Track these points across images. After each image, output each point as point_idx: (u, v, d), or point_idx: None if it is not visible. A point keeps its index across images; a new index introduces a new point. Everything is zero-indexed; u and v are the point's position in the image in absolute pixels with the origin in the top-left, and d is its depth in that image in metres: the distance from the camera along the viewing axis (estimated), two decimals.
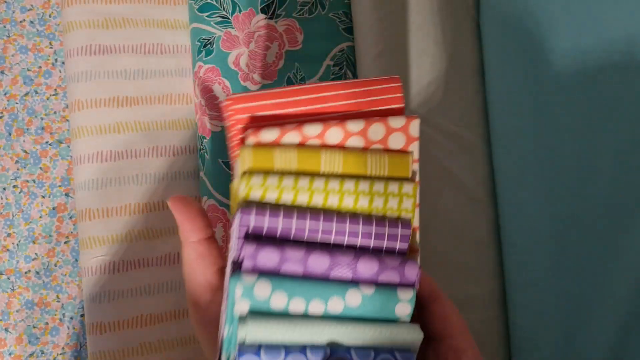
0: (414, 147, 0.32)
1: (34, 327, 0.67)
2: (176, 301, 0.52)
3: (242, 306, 0.28)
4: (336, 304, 0.29)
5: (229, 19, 0.51)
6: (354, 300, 0.29)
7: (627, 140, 0.45)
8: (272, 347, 0.28)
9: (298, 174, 0.30)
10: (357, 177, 0.31)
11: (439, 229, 0.49)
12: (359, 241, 0.30)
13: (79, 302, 0.68)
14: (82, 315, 0.68)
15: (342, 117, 0.31)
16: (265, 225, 0.29)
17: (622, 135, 0.45)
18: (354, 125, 0.31)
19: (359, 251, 0.30)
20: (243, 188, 0.29)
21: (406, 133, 0.31)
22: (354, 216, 0.30)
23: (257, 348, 0.28)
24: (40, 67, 0.72)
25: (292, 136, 0.30)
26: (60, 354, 0.67)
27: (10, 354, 0.66)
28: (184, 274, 0.32)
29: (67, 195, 0.70)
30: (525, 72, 0.48)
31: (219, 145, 0.50)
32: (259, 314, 0.28)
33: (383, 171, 0.31)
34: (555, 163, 0.46)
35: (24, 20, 0.72)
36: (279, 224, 0.29)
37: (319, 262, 0.29)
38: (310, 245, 0.29)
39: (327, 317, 0.29)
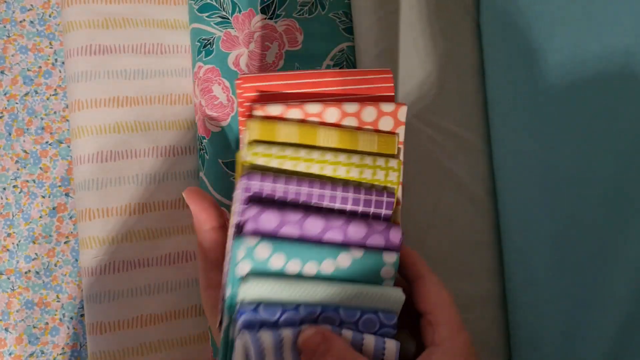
0: (401, 131, 0.36)
1: (34, 327, 0.67)
2: (176, 301, 0.52)
3: (243, 267, 0.31)
4: (328, 266, 0.32)
5: (228, 19, 0.51)
6: (344, 262, 0.33)
7: (628, 140, 0.45)
8: (270, 306, 0.31)
9: (298, 145, 0.34)
10: (350, 151, 0.34)
11: (439, 229, 0.49)
12: (349, 206, 0.34)
13: (79, 302, 0.68)
14: (82, 315, 0.68)
15: (339, 99, 0.36)
16: (267, 188, 0.32)
17: (622, 135, 0.45)
18: (350, 107, 0.35)
19: (350, 215, 0.34)
20: (249, 155, 0.33)
21: (395, 117, 0.36)
22: (345, 184, 0.34)
23: (256, 305, 0.31)
24: (40, 67, 0.72)
25: (294, 112, 0.34)
26: (60, 354, 0.67)
27: (10, 354, 0.66)
28: (198, 257, 0.35)
29: (67, 195, 0.70)
30: (525, 71, 0.48)
31: (219, 145, 0.50)
32: (259, 274, 0.31)
33: (372, 149, 0.35)
34: (555, 163, 0.46)
35: (24, 20, 0.72)
36: (279, 188, 0.32)
37: (314, 225, 0.33)
38: (307, 209, 0.33)
39: (320, 278, 0.32)
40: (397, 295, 0.34)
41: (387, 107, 0.35)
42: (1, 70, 0.72)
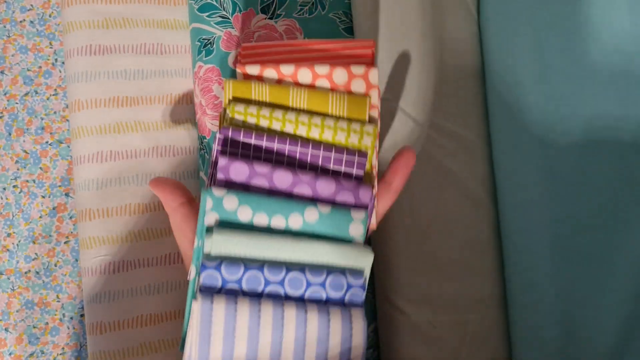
0: (373, 95, 0.37)
1: (34, 327, 0.67)
2: (176, 301, 0.52)
3: (210, 218, 0.32)
4: (296, 220, 0.33)
5: (229, 19, 0.51)
6: (311, 217, 0.33)
7: (628, 140, 0.45)
8: (232, 264, 0.31)
9: (273, 106, 0.35)
10: (324, 115, 0.36)
11: (439, 229, 0.49)
12: (319, 163, 0.34)
13: (79, 302, 0.68)
14: (82, 315, 0.68)
15: (313, 62, 0.37)
16: (240, 141, 0.34)
17: (623, 134, 0.45)
18: (321, 69, 0.36)
19: (320, 172, 0.34)
20: (228, 113, 0.34)
21: (366, 80, 0.36)
22: (317, 142, 0.35)
23: (218, 263, 0.31)
24: (40, 67, 0.72)
25: (270, 72, 0.36)
26: (60, 354, 0.67)
27: (10, 354, 0.66)
28: (175, 238, 0.37)
29: (67, 195, 0.70)
30: (525, 71, 0.48)
31: None
32: (225, 227, 0.32)
33: (342, 110, 0.36)
34: (555, 163, 0.46)
35: (24, 20, 0.72)
36: (251, 142, 0.34)
37: (283, 179, 0.33)
38: (277, 163, 0.34)
39: (287, 233, 0.33)
40: (365, 252, 0.33)
41: (358, 70, 0.36)
42: (1, 70, 0.72)
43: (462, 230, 0.49)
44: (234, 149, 0.34)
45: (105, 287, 0.50)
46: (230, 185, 0.33)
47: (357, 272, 0.33)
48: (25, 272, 0.67)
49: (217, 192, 0.32)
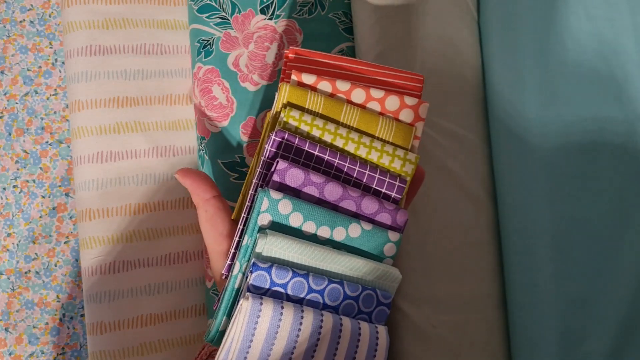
0: (419, 127, 0.38)
1: (34, 327, 0.67)
2: (176, 301, 0.52)
3: (265, 217, 0.33)
4: (340, 233, 0.35)
5: (228, 19, 0.51)
6: (354, 232, 0.35)
7: (629, 139, 0.45)
8: (282, 268, 0.33)
9: (325, 118, 0.36)
10: (373, 136, 0.37)
11: (439, 229, 0.49)
12: (364, 181, 0.36)
13: (79, 302, 0.68)
14: (82, 315, 0.68)
15: (368, 84, 0.39)
16: (294, 147, 0.35)
17: (623, 135, 0.45)
18: (376, 92, 0.38)
19: (365, 190, 0.36)
20: (282, 116, 0.35)
21: (416, 112, 0.38)
22: (363, 161, 0.37)
23: (270, 266, 0.32)
24: (40, 67, 0.72)
25: (325, 85, 0.37)
26: (60, 354, 0.67)
27: (10, 354, 0.66)
28: (203, 229, 0.37)
29: (67, 195, 0.70)
30: (525, 71, 0.48)
31: (219, 146, 0.50)
32: (277, 229, 0.33)
33: (389, 135, 0.37)
34: (555, 163, 0.46)
35: (24, 20, 0.72)
36: (304, 150, 0.35)
37: (333, 191, 0.35)
38: (327, 175, 0.35)
39: (330, 242, 0.35)
40: (396, 274, 0.36)
41: (410, 101, 0.38)
42: (1, 70, 0.72)
43: (461, 230, 0.49)
44: (286, 153, 0.35)
45: (105, 287, 0.50)
46: (283, 189, 0.34)
47: (386, 291, 0.36)
48: (25, 272, 0.67)
49: (275, 194, 0.33)
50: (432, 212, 0.49)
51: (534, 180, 0.47)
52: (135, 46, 0.53)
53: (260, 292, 0.32)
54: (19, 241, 0.68)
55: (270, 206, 0.33)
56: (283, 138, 0.34)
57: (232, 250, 0.35)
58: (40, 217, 0.69)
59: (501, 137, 0.50)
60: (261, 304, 0.31)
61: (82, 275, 0.51)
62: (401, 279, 0.36)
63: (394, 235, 0.36)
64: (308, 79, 0.37)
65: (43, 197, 0.69)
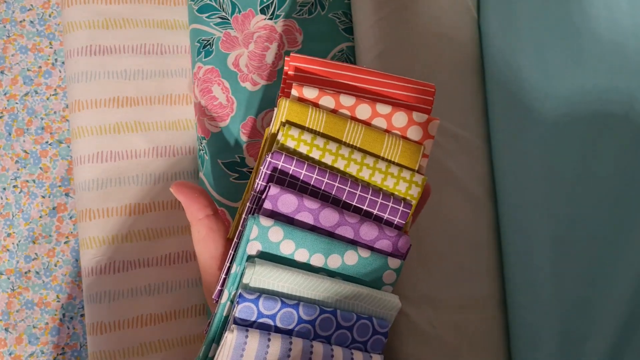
0: (428, 145, 0.36)
1: (34, 327, 0.67)
2: (176, 301, 0.52)
3: (254, 246, 0.32)
4: (335, 261, 0.33)
5: (228, 19, 0.51)
6: (351, 260, 0.33)
7: (629, 139, 0.45)
8: (270, 299, 0.31)
9: (326, 137, 0.34)
10: (377, 157, 0.35)
11: (438, 229, 0.49)
12: (364, 206, 0.34)
13: (79, 302, 0.68)
14: (82, 315, 0.68)
15: (374, 98, 0.36)
16: (290, 171, 0.33)
17: (623, 135, 0.45)
18: (382, 108, 0.35)
19: (364, 216, 0.34)
20: (281, 135, 0.33)
21: (425, 129, 0.36)
22: (365, 184, 0.34)
23: (257, 297, 0.31)
24: (40, 67, 0.72)
25: (327, 100, 0.35)
26: (60, 354, 0.67)
27: (10, 354, 0.66)
28: (196, 249, 0.36)
29: (67, 195, 0.70)
30: (525, 71, 0.48)
31: (219, 146, 0.50)
32: (266, 258, 0.32)
33: (395, 155, 0.35)
34: (555, 163, 0.46)
35: (24, 20, 0.72)
36: (302, 173, 0.33)
37: (329, 218, 0.33)
38: (324, 200, 0.33)
39: (325, 271, 0.33)
40: (394, 302, 0.34)
41: (419, 117, 0.36)
42: (1, 70, 0.72)
43: (461, 230, 0.49)
44: (282, 176, 0.33)
45: (105, 287, 0.50)
46: (275, 215, 0.33)
47: (383, 320, 0.34)
48: (25, 272, 0.67)
49: (265, 222, 0.32)
50: (431, 211, 0.49)
51: (534, 180, 0.47)
52: (135, 46, 0.53)
53: (246, 324, 0.31)
54: (19, 241, 0.68)
55: (260, 234, 0.31)
56: (279, 160, 0.32)
57: (223, 276, 0.33)
58: (40, 217, 0.69)
59: (501, 137, 0.50)
60: (246, 336, 0.30)
61: (82, 275, 0.51)
62: (400, 307, 0.35)
63: (394, 262, 0.34)
64: (310, 93, 0.35)
65: (43, 197, 0.69)
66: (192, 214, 0.35)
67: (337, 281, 0.33)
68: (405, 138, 0.36)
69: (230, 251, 0.33)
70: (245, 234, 0.32)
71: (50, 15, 0.73)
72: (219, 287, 0.33)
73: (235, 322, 0.31)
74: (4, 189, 0.69)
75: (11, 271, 0.68)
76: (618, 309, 0.45)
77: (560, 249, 0.46)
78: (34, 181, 0.70)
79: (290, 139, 0.33)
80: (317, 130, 0.34)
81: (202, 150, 0.51)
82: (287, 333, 0.32)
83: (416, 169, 0.35)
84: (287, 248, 0.32)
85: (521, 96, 0.48)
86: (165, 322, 0.51)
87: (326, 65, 0.36)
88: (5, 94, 0.71)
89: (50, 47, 0.73)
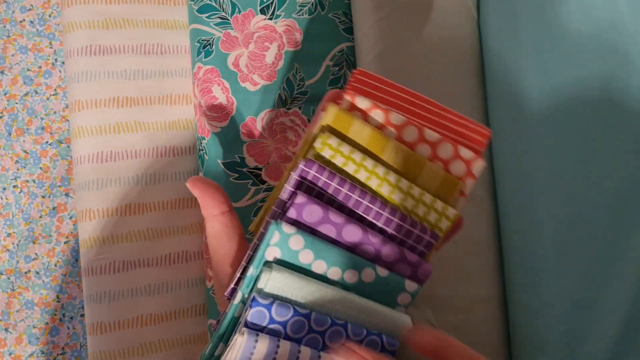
0: (469, 184, 0.35)
1: (34, 327, 0.67)
2: (176, 301, 0.52)
3: (273, 251, 0.31)
4: (352, 276, 0.33)
5: (228, 19, 0.51)
6: (368, 277, 0.33)
7: (631, 140, 0.45)
8: (283, 306, 0.31)
9: (365, 151, 0.33)
10: (412, 181, 0.34)
11: None
12: (390, 229, 0.33)
13: (79, 302, 0.68)
14: (82, 315, 0.68)
15: (424, 124, 0.35)
16: (320, 182, 0.32)
17: (625, 135, 0.45)
18: (430, 134, 0.34)
19: (388, 238, 0.33)
20: (318, 142, 0.32)
21: (469, 167, 0.34)
22: (394, 207, 0.33)
23: (271, 302, 0.31)
24: (40, 67, 0.72)
25: (378, 113, 0.34)
26: (60, 354, 0.67)
27: (10, 354, 0.66)
28: (209, 245, 0.35)
29: (67, 195, 0.70)
30: (525, 71, 0.48)
31: (219, 146, 0.50)
32: (283, 264, 0.32)
33: (432, 184, 0.34)
34: (556, 163, 0.46)
35: (24, 20, 0.72)
36: (332, 185, 0.32)
37: (352, 234, 0.32)
38: (350, 215, 0.33)
39: (342, 285, 0.33)
40: (405, 320, 0.34)
41: (466, 153, 0.34)
42: (1, 70, 0.72)
43: (462, 230, 0.49)
44: (312, 185, 0.32)
45: (105, 287, 0.50)
46: (298, 224, 0.32)
47: (392, 338, 0.34)
48: (25, 272, 0.67)
49: (287, 229, 0.31)
50: None
51: (534, 181, 0.47)
52: (135, 46, 0.53)
53: (257, 329, 0.31)
54: (19, 241, 0.68)
55: (281, 240, 0.31)
56: (311, 169, 0.32)
57: (237, 275, 0.33)
58: (40, 217, 0.69)
59: (501, 137, 0.50)
60: (256, 340, 0.30)
61: (82, 275, 0.51)
62: (411, 324, 0.34)
63: (411, 286, 0.34)
64: (362, 103, 0.34)
65: (43, 197, 0.69)
66: (207, 210, 0.35)
67: (351, 295, 0.33)
68: (447, 171, 0.34)
69: (249, 251, 0.33)
70: (265, 238, 0.32)
71: (50, 15, 0.73)
72: (232, 285, 0.33)
73: (246, 326, 0.31)
74: (4, 189, 0.69)
75: (11, 271, 0.68)
76: (619, 309, 0.45)
77: (561, 249, 0.46)
78: (34, 181, 0.70)
79: (328, 148, 0.32)
80: (358, 143, 0.33)
81: (202, 150, 0.51)
82: (297, 341, 0.31)
83: (451, 203, 0.34)
84: (306, 258, 0.32)
85: (521, 96, 0.48)
86: (165, 322, 0.51)
87: (389, 86, 0.35)
88: (5, 94, 0.71)
89: (50, 47, 0.73)
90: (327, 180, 0.32)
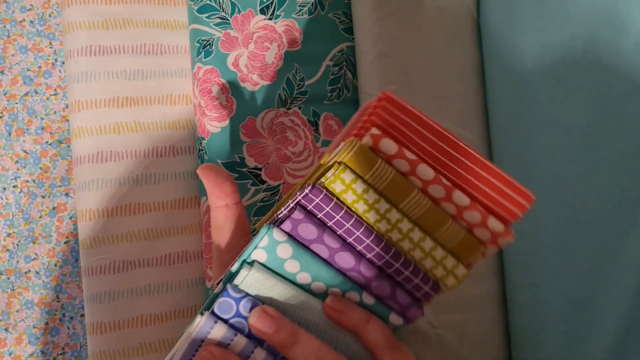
0: (490, 251, 0.32)
1: (34, 327, 0.67)
2: (176, 301, 0.52)
3: (259, 254, 0.31)
4: (335, 294, 0.32)
5: (228, 20, 0.51)
6: (351, 299, 0.32)
7: (631, 140, 0.45)
8: (253, 302, 0.31)
9: (383, 195, 0.31)
10: (427, 234, 0.31)
11: None
12: (389, 269, 0.32)
13: (79, 302, 0.68)
14: (82, 315, 0.68)
15: (456, 183, 0.31)
16: (324, 211, 0.31)
17: (625, 136, 0.45)
18: (459, 198, 0.31)
19: (382, 276, 0.32)
20: (331, 175, 0.30)
21: (494, 238, 0.31)
22: (398, 255, 0.31)
23: (240, 297, 0.31)
24: (40, 67, 0.72)
25: (402, 164, 0.30)
26: (60, 354, 0.67)
27: (10, 354, 0.66)
28: (212, 235, 0.35)
29: (67, 195, 0.70)
30: (525, 71, 0.48)
31: (218, 146, 0.50)
32: (266, 268, 0.31)
33: (450, 243, 0.31)
34: (557, 162, 0.46)
35: (24, 20, 0.72)
36: (335, 218, 0.30)
37: (345, 261, 0.31)
38: (347, 245, 0.31)
39: (322, 298, 0.32)
40: None
41: (495, 226, 0.31)
42: (1, 70, 0.72)
43: None
44: (315, 211, 0.31)
45: (105, 287, 0.50)
46: (291, 237, 0.31)
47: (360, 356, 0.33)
48: (25, 272, 0.67)
49: (278, 235, 0.31)
50: None
51: (534, 181, 0.47)
52: (135, 46, 0.53)
53: (221, 319, 0.30)
54: (19, 241, 0.68)
55: (269, 245, 0.31)
56: (317, 197, 0.30)
57: (229, 268, 0.33)
58: (40, 217, 0.69)
59: (501, 137, 0.50)
60: (212, 327, 0.30)
61: (82, 275, 0.51)
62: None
63: (396, 319, 0.32)
64: (388, 147, 0.30)
65: (43, 197, 0.69)
66: (213, 200, 0.35)
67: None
68: (470, 232, 0.32)
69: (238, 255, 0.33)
70: (254, 239, 0.31)
71: (50, 15, 0.73)
72: (222, 276, 0.33)
73: (212, 313, 0.31)
74: (4, 189, 0.69)
75: (11, 271, 0.68)
76: (619, 308, 0.45)
77: (562, 249, 0.46)
78: (34, 181, 0.70)
79: (340, 182, 0.30)
80: (376, 186, 0.30)
81: (202, 150, 0.51)
82: (258, 343, 0.31)
83: (468, 262, 0.32)
84: (292, 267, 0.31)
85: (521, 96, 0.48)
86: (165, 322, 0.51)
87: (423, 125, 0.30)
88: (5, 94, 0.71)
89: (50, 47, 0.73)
90: (330, 211, 0.30)
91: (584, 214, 0.46)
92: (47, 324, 0.69)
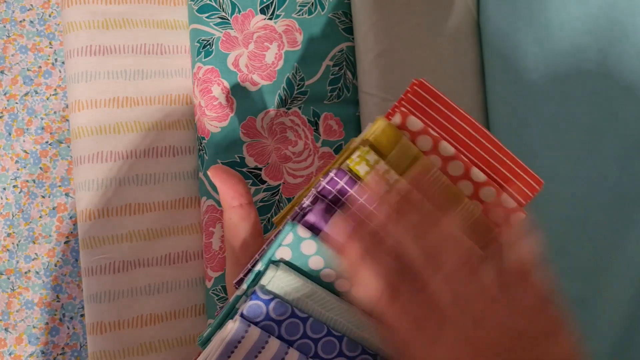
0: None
1: (34, 327, 0.67)
2: (176, 301, 0.52)
3: (284, 252, 0.31)
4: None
5: (228, 19, 0.51)
6: None
7: (630, 139, 0.45)
8: (281, 305, 0.31)
9: (402, 172, 0.32)
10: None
11: None
12: None
13: (79, 302, 0.68)
14: (82, 315, 0.68)
15: (474, 162, 0.34)
16: (347, 194, 0.31)
17: (624, 135, 0.45)
18: (477, 175, 0.33)
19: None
20: (356, 156, 0.31)
21: (507, 216, 0.33)
22: None
23: (270, 299, 0.31)
24: (40, 67, 0.72)
25: (425, 140, 0.33)
26: (60, 354, 0.67)
27: (10, 354, 0.66)
28: (225, 235, 0.36)
29: (67, 195, 0.70)
30: (525, 71, 0.48)
31: (218, 146, 0.50)
32: (293, 267, 0.31)
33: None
34: (556, 163, 0.46)
35: (24, 20, 0.72)
36: (359, 200, 0.31)
37: None
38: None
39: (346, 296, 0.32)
40: None
41: (508, 202, 0.33)
42: (1, 70, 0.72)
43: None
44: (339, 195, 0.31)
45: (105, 287, 0.50)
46: (315, 229, 0.32)
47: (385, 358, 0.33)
48: (25, 272, 0.67)
49: (302, 232, 0.31)
50: None
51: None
52: (135, 46, 0.53)
53: (252, 322, 0.31)
54: (19, 241, 0.68)
55: (294, 242, 0.31)
56: (341, 179, 0.31)
57: (249, 266, 0.33)
58: (40, 217, 0.69)
59: (501, 135, 0.49)
60: (246, 331, 0.30)
61: (82, 275, 0.51)
62: None
63: None
64: (413, 124, 0.32)
65: (43, 197, 0.69)
66: (226, 200, 0.35)
67: (354, 309, 0.32)
68: (484, 213, 0.33)
69: (264, 246, 0.33)
70: (279, 237, 0.31)
71: (50, 15, 0.73)
72: (241, 275, 0.33)
73: (242, 317, 0.31)
74: (4, 189, 0.69)
75: (11, 271, 0.68)
76: (619, 308, 0.45)
77: (562, 249, 0.46)
78: (34, 181, 0.70)
79: (365, 164, 0.31)
80: (399, 163, 0.32)
81: (202, 150, 0.51)
82: (289, 343, 0.31)
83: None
84: (315, 264, 0.32)
85: (521, 96, 0.48)
86: (165, 322, 0.51)
87: (448, 107, 0.33)
88: (5, 94, 0.71)
89: (50, 47, 0.73)
90: (354, 194, 0.31)
91: (583, 213, 0.46)
92: (47, 324, 0.69)
